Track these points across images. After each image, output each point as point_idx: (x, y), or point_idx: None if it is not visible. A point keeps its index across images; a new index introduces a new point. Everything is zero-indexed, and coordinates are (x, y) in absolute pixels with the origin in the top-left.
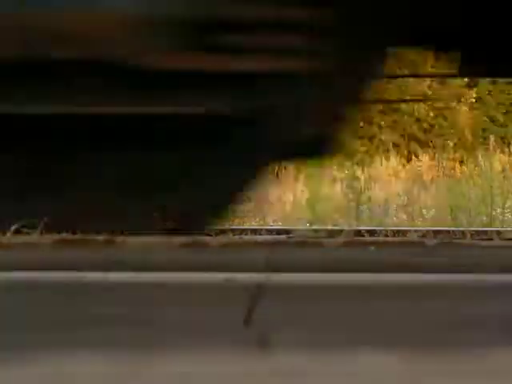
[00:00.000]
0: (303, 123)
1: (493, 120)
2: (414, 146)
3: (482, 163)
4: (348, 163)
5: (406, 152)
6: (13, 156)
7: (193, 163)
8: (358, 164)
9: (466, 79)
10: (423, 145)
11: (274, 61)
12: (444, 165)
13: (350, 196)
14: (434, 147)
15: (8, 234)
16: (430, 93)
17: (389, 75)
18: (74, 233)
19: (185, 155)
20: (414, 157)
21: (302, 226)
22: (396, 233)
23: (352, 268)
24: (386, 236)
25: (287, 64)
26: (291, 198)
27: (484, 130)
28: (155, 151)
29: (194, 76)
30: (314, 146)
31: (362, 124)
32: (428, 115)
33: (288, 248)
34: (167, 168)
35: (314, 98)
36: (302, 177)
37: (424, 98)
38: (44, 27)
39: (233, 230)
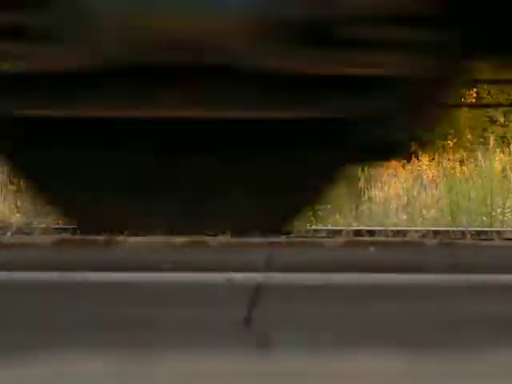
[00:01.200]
0: (397, 125)
1: (493, 120)
2: (413, 146)
3: (482, 163)
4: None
5: None
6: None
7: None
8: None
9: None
10: (423, 145)
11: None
12: (444, 165)
13: (350, 196)
14: (434, 147)
15: (8, 234)
16: None
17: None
18: (74, 233)
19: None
20: (413, 157)
21: (302, 226)
22: (396, 233)
23: (352, 268)
24: (386, 236)
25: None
26: None
27: (484, 129)
28: (259, 152)
29: (311, 79)
30: (395, 148)
31: None
32: None
33: (288, 248)
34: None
35: (413, 100)
36: None
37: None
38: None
39: None
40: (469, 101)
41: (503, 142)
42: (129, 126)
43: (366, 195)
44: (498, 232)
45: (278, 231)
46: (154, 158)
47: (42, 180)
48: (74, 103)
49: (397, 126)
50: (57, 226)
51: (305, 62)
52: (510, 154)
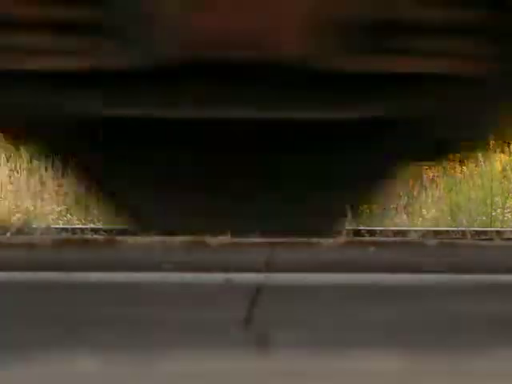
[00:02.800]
0: (448, 126)
1: None
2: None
3: (482, 163)
4: None
5: None
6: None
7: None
8: None
9: None
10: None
11: (439, 62)
12: (444, 165)
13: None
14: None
15: (8, 234)
16: None
17: None
18: (73, 233)
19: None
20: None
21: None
22: (396, 233)
23: (352, 268)
24: (386, 236)
25: (452, 66)
26: None
27: None
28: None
29: (358, 78)
30: (447, 147)
31: None
32: None
33: (288, 248)
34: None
35: (469, 102)
36: None
37: None
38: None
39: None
40: None
41: (503, 141)
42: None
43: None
44: (498, 232)
45: (330, 232)
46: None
47: (106, 180)
48: (137, 103)
49: (450, 126)
50: (57, 226)
51: (365, 61)
52: (510, 154)
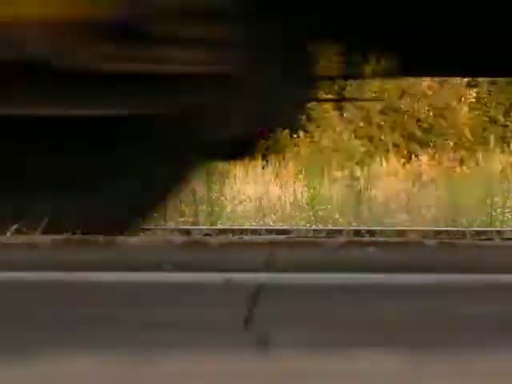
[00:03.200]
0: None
1: (493, 120)
2: (414, 145)
3: (482, 163)
4: (348, 163)
5: (405, 152)
6: None
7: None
8: (357, 164)
9: (465, 79)
10: (423, 145)
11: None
12: (444, 165)
13: (350, 196)
14: (434, 147)
15: (8, 234)
16: (429, 92)
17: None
18: (73, 233)
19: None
20: (414, 157)
21: (302, 226)
22: (396, 233)
23: (352, 268)
24: (386, 236)
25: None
26: (291, 198)
27: (484, 129)
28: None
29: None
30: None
31: (362, 124)
32: (428, 115)
33: (288, 248)
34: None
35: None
36: (301, 177)
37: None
38: None
39: (233, 230)
40: (469, 101)
41: (503, 142)
42: None
43: (366, 195)
44: (498, 232)
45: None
46: None
47: None
48: None
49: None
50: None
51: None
52: (510, 154)
